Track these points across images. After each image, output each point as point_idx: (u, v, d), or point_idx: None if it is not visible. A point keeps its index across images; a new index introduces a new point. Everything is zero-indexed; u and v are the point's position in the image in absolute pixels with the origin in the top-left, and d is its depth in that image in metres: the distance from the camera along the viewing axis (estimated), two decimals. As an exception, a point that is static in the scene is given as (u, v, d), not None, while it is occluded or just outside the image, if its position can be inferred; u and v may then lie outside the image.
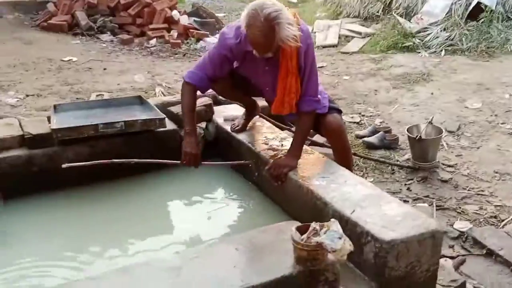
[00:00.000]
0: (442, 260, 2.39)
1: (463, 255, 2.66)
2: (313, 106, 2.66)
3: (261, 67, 2.66)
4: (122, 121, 2.96)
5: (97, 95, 4.72)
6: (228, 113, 3.40)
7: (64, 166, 2.72)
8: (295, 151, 2.65)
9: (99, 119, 3.08)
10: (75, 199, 2.89)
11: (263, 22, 2.31)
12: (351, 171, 2.73)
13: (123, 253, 2.45)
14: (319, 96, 2.69)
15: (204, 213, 2.82)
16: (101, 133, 2.93)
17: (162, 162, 2.85)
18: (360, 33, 8.06)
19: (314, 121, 2.74)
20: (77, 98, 4.86)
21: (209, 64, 2.71)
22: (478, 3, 7.11)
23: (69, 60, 6.47)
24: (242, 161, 2.96)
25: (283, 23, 2.33)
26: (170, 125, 3.24)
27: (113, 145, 3.06)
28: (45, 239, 2.60)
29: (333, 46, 7.76)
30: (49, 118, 3.19)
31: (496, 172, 3.57)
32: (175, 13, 8.27)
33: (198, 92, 2.81)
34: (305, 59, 2.56)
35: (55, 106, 3.38)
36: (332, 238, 1.72)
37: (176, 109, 3.30)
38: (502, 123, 4.38)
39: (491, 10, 7.00)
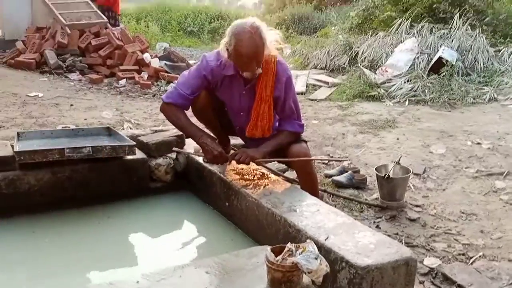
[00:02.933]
0: (413, 296, 2.35)
1: (433, 291, 2.63)
2: (296, 129, 2.88)
3: (238, 92, 2.80)
4: (89, 146, 2.87)
5: (63, 127, 4.58)
6: (199, 144, 3.35)
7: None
8: (264, 148, 2.79)
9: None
10: (36, 226, 2.74)
11: (251, 29, 2.52)
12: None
13: (87, 279, 2.31)
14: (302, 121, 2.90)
15: (172, 243, 2.72)
16: (67, 158, 2.83)
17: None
18: (327, 83, 8.28)
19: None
20: (41, 130, 4.72)
21: (188, 82, 2.78)
22: (440, 58, 7.45)
23: (35, 95, 6.34)
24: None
25: (264, 29, 2.59)
26: (139, 154, 3.16)
27: (78, 171, 2.95)
28: (5, 266, 2.44)
29: (301, 93, 7.91)
30: (12, 146, 3.07)
31: (463, 213, 3.61)
32: (146, 55, 8.32)
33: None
34: (286, 88, 2.76)
35: (18, 134, 3.28)
36: (308, 259, 1.67)
37: (147, 139, 3.24)
38: (466, 168, 4.48)
39: (452, 65, 7.33)
